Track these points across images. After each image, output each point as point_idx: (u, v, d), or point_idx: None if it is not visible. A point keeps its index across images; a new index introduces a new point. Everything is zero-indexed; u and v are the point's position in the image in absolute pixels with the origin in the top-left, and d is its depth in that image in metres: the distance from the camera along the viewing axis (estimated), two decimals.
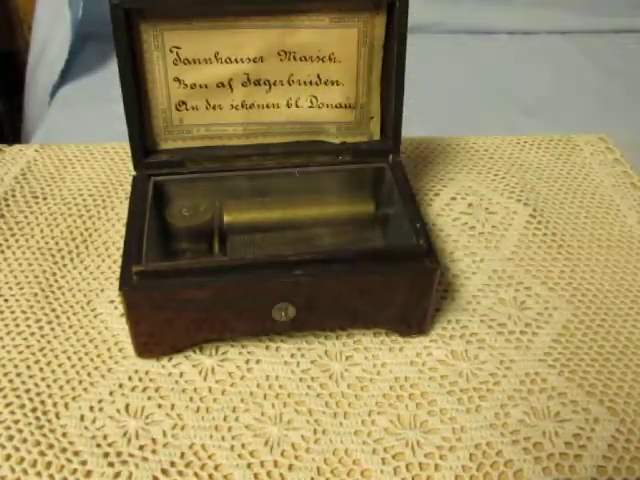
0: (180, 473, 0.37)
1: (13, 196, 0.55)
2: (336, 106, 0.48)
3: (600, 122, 0.80)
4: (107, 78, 0.92)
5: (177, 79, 0.46)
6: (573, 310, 0.47)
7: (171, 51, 0.45)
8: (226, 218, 0.47)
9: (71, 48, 0.93)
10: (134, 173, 0.47)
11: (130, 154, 0.47)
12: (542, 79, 0.97)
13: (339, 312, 0.43)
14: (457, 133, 0.66)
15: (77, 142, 0.64)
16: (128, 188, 0.55)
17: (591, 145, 0.63)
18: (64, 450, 0.38)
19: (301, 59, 0.47)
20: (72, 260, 0.50)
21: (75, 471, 0.37)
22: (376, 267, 0.41)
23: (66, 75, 0.94)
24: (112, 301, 0.47)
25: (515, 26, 1.06)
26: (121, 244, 0.50)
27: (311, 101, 0.48)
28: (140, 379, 0.42)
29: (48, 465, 0.37)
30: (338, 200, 0.49)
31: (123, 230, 0.51)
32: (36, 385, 0.41)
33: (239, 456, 0.38)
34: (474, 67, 0.99)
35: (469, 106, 0.90)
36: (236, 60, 0.46)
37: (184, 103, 0.47)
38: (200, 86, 0.47)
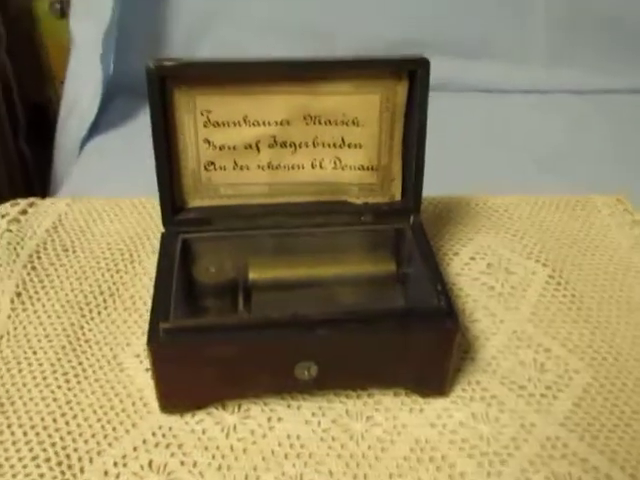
0: None
1: (44, 249, 0.57)
2: (359, 168, 0.50)
3: (617, 181, 0.81)
4: (134, 131, 0.94)
5: (207, 140, 0.48)
6: (593, 373, 0.47)
7: (202, 114, 0.47)
8: (251, 275, 0.48)
9: (101, 102, 0.96)
10: (162, 229, 0.49)
11: (157, 209, 0.49)
12: (558, 137, 0.99)
13: (360, 371, 0.44)
14: (474, 190, 0.67)
15: (105, 193, 0.66)
16: (155, 242, 0.57)
17: (608, 206, 0.64)
18: None
19: (326, 123, 0.48)
20: (99, 313, 0.51)
21: None
22: (397, 327, 0.42)
23: (95, 127, 0.97)
24: (137, 355, 0.48)
25: (531, 85, 1.08)
26: (147, 298, 0.52)
27: (335, 163, 0.50)
28: (163, 435, 0.42)
29: None
30: (360, 259, 0.50)
31: (149, 284, 0.53)
32: (62, 439, 0.42)
33: None
34: (490, 124, 1.01)
35: (486, 163, 0.91)
36: (264, 123, 0.48)
37: (212, 163, 0.49)
38: (228, 147, 0.48)
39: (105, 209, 0.62)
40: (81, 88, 0.96)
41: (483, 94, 1.08)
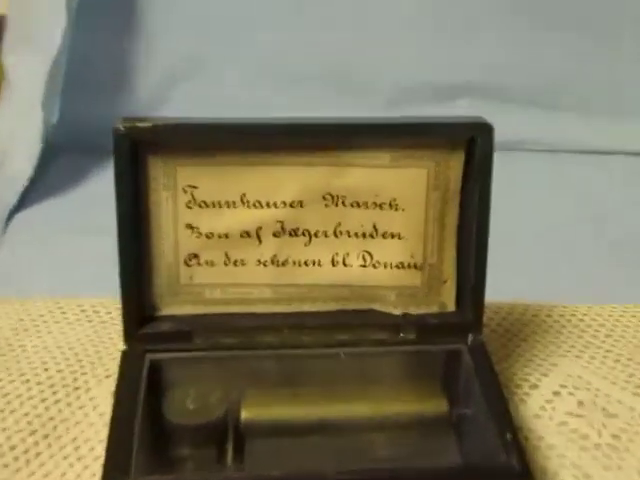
0: None
1: None
2: (397, 266, 0.52)
3: None
4: (82, 201, 0.97)
5: (190, 226, 0.50)
6: None
7: (185, 191, 0.50)
8: (244, 414, 0.49)
9: (39, 160, 1.00)
10: (122, 345, 0.51)
11: (116, 315, 0.51)
12: None
13: None
14: (552, 292, 0.68)
15: (39, 288, 0.68)
16: (110, 363, 0.58)
17: None
18: None
19: (352, 205, 0.51)
20: (28, 463, 0.52)
21: None
22: None
23: (28, 194, 1.00)
24: None
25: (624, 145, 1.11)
26: (95, 442, 0.53)
27: (364, 258, 0.52)
28: None
29: None
30: (397, 394, 0.51)
31: (99, 422, 0.54)
32: None
33: None
34: (574, 192, 1.03)
35: (570, 246, 0.92)
36: (268, 204, 0.50)
37: (196, 256, 0.51)
38: (219, 236, 0.51)
39: (42, 314, 0.64)
40: (13, 141, 0.99)
41: (566, 155, 1.12)
